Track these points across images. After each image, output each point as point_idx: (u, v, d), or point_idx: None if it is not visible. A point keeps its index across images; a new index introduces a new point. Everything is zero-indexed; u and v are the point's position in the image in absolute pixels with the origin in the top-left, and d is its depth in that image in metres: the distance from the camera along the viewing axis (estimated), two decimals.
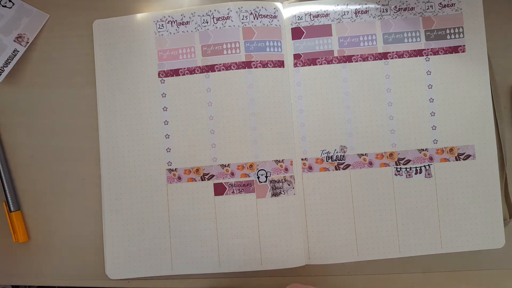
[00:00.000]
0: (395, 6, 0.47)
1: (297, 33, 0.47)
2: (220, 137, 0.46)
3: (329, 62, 0.47)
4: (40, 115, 0.48)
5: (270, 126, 0.46)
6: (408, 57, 0.46)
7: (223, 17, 0.46)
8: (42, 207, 0.48)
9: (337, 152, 0.46)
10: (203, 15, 0.47)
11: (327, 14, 0.47)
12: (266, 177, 0.45)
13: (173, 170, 0.46)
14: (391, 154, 0.46)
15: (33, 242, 0.47)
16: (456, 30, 0.47)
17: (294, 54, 0.47)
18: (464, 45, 0.46)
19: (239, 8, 0.46)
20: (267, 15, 0.46)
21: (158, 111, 0.47)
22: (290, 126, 0.46)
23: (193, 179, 0.46)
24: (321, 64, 0.47)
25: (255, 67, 0.46)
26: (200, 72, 0.46)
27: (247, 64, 0.46)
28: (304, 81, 0.46)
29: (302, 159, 0.46)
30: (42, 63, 0.48)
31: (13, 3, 0.48)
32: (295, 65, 0.47)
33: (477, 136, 0.46)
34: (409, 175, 0.46)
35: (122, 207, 0.46)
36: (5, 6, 0.48)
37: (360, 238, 0.45)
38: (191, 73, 0.47)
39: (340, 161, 0.46)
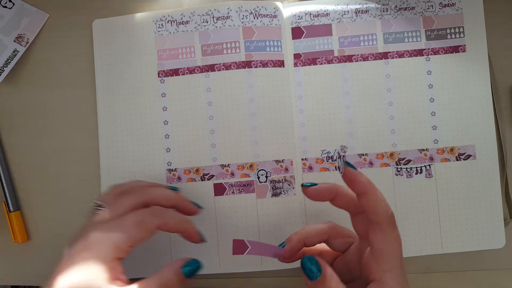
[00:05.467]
0: (396, 6, 0.47)
1: (297, 32, 0.47)
2: (220, 137, 0.46)
3: (329, 61, 0.47)
4: (40, 115, 0.48)
5: (270, 126, 0.46)
6: (409, 56, 0.46)
7: (223, 16, 0.46)
8: (42, 207, 0.47)
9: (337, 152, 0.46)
10: (203, 15, 0.47)
11: (327, 13, 0.47)
12: (266, 177, 0.45)
13: (173, 170, 0.46)
14: (391, 154, 0.46)
15: (32, 242, 0.47)
16: (457, 30, 0.46)
17: (294, 54, 0.47)
18: (464, 45, 0.46)
19: (239, 8, 0.46)
20: (267, 14, 0.46)
21: (158, 111, 0.47)
22: (290, 126, 0.46)
23: (193, 179, 0.46)
24: (321, 63, 0.47)
25: (255, 67, 0.46)
26: (200, 72, 0.46)
27: (247, 64, 0.46)
28: (304, 81, 0.46)
29: (302, 159, 0.46)
30: (42, 63, 0.48)
31: (13, 3, 0.48)
32: (295, 64, 0.47)
33: (478, 136, 0.46)
34: (410, 175, 0.46)
35: None
36: (5, 7, 0.48)
37: None
38: (191, 73, 0.47)
39: None
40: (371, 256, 0.34)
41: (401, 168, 0.46)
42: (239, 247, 0.35)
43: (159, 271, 0.34)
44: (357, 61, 0.47)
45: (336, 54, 0.47)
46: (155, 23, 0.47)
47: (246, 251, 0.35)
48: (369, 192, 0.34)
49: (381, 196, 0.34)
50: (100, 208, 0.37)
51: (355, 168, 0.34)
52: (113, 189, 0.39)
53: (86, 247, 0.32)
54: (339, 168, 0.35)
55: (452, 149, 0.46)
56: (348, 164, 0.35)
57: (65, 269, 0.31)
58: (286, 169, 0.46)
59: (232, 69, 0.46)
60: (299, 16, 0.47)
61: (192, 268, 0.35)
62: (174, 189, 0.41)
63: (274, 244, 0.37)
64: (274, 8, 0.46)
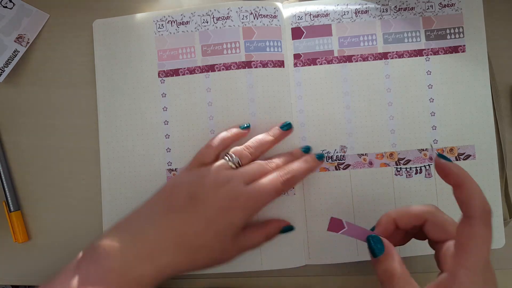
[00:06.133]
0: (395, 6, 0.47)
1: (297, 33, 0.47)
2: None
3: (329, 62, 0.47)
4: (40, 115, 0.48)
5: (269, 126, 0.46)
6: (408, 57, 0.46)
7: (223, 16, 0.46)
8: (42, 207, 0.48)
9: (337, 152, 0.46)
10: (203, 15, 0.47)
11: (327, 14, 0.47)
12: None
13: (173, 170, 0.46)
14: (391, 154, 0.46)
15: (33, 242, 0.48)
16: (456, 30, 0.47)
17: (294, 54, 0.47)
18: (464, 45, 0.46)
19: (239, 8, 0.46)
20: (267, 15, 0.46)
21: (158, 111, 0.47)
22: None
23: None
24: (321, 64, 0.47)
25: (255, 67, 0.46)
26: (200, 72, 0.46)
27: (247, 64, 0.46)
28: (304, 81, 0.46)
29: None
30: (42, 63, 0.48)
31: (13, 4, 0.48)
32: (295, 65, 0.47)
33: (477, 136, 0.46)
34: (409, 175, 0.46)
35: (121, 207, 0.46)
36: (5, 7, 0.48)
37: None
38: (191, 73, 0.47)
39: (340, 161, 0.46)
40: (452, 248, 0.32)
41: (400, 168, 0.46)
42: (335, 225, 0.35)
43: None
44: (357, 61, 0.47)
45: (336, 54, 0.47)
46: (155, 23, 0.47)
47: (341, 231, 0.35)
48: (465, 185, 0.32)
49: (477, 190, 0.32)
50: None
51: (449, 160, 0.33)
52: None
53: None
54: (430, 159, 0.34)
55: (451, 149, 0.46)
56: (440, 156, 0.33)
57: None
58: None
59: (232, 69, 0.46)
60: (299, 16, 0.47)
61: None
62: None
63: (367, 228, 0.37)
64: (274, 8, 0.46)
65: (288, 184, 0.40)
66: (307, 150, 0.45)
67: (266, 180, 0.40)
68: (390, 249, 0.33)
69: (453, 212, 0.45)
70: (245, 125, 0.45)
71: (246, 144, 0.43)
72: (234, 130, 0.44)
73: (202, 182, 0.40)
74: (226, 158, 0.42)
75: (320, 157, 0.44)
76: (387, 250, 0.33)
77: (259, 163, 0.42)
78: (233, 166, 0.41)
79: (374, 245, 0.34)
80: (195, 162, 0.43)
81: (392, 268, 0.32)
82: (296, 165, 0.42)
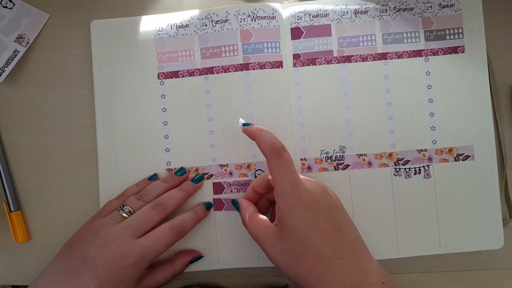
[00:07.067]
0: (395, 7, 0.47)
1: (296, 33, 0.47)
2: (219, 138, 0.46)
3: (328, 62, 0.47)
4: (40, 115, 0.48)
5: (267, 126, 0.45)
6: (408, 57, 0.46)
7: (222, 20, 0.46)
8: (42, 207, 0.48)
9: (336, 152, 0.46)
10: (202, 18, 0.47)
11: (326, 14, 0.47)
12: None
13: (172, 170, 0.46)
14: (390, 155, 0.46)
15: (33, 242, 0.48)
16: (456, 31, 0.46)
17: (293, 54, 0.47)
18: (463, 46, 0.46)
19: (237, 11, 0.46)
20: (265, 16, 0.46)
21: (158, 112, 0.47)
22: (290, 126, 0.46)
23: None
24: (320, 64, 0.47)
25: (252, 69, 0.46)
26: (199, 75, 0.46)
27: (244, 66, 0.46)
28: (304, 81, 0.46)
29: (301, 159, 0.46)
30: (42, 63, 0.48)
31: (13, 4, 0.48)
32: (295, 65, 0.47)
33: (477, 136, 0.46)
34: (408, 175, 0.46)
35: None
36: (5, 7, 0.48)
37: None
38: (190, 75, 0.47)
39: (339, 161, 0.46)
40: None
41: (399, 168, 0.46)
42: (218, 205, 0.46)
43: None
44: (356, 61, 0.47)
45: (335, 54, 0.47)
46: (155, 26, 0.47)
47: (224, 208, 0.46)
48: (256, 136, 0.40)
49: (265, 135, 0.39)
50: None
51: (249, 124, 0.42)
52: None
53: None
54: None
55: (450, 150, 0.46)
56: (244, 124, 0.42)
57: None
58: None
59: (230, 71, 0.46)
60: (298, 16, 0.47)
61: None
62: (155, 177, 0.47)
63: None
64: (272, 9, 0.46)
65: (178, 236, 0.42)
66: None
67: (156, 234, 0.41)
68: (243, 204, 0.43)
69: (453, 212, 0.46)
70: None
71: (141, 192, 0.44)
72: (143, 184, 0.46)
73: (93, 239, 0.40)
74: (120, 208, 0.43)
75: (208, 206, 0.45)
76: (241, 206, 0.43)
77: (147, 208, 0.42)
78: (125, 215, 0.42)
79: (234, 204, 0.44)
80: (101, 212, 0.44)
81: (245, 215, 0.41)
82: (186, 216, 0.43)
